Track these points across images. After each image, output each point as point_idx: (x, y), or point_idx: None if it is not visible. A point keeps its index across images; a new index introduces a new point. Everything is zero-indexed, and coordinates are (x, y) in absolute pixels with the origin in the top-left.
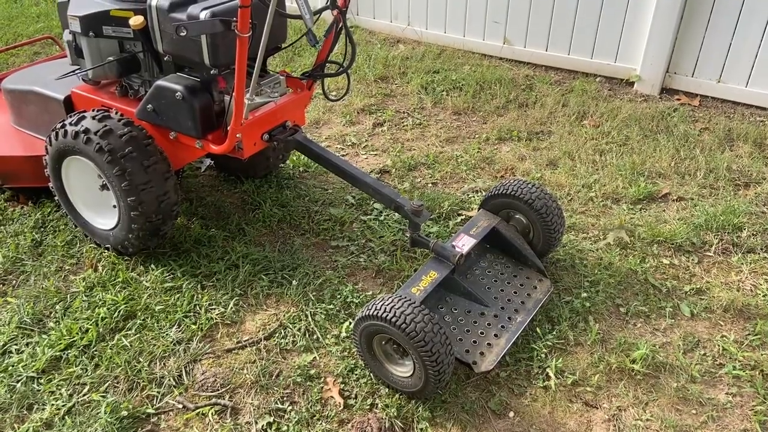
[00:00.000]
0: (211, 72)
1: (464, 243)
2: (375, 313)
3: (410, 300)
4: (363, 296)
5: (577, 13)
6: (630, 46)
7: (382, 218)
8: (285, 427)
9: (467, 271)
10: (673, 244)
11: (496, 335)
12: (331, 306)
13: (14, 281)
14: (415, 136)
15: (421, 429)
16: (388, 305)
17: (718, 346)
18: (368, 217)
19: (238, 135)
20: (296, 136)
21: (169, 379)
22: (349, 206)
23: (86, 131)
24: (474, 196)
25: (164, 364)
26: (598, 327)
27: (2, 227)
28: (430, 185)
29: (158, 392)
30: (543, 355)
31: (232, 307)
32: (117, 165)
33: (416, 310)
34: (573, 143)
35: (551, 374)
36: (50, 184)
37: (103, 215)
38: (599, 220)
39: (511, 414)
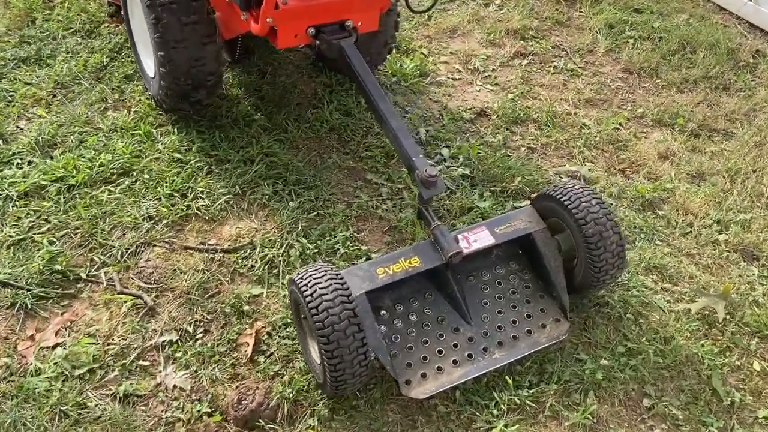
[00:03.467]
0: None
1: (476, 239)
2: (299, 279)
3: (341, 282)
4: (354, 249)
5: None
6: None
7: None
8: (180, 353)
9: (474, 271)
10: None
11: (454, 362)
12: (313, 246)
13: (63, 97)
14: (554, 83)
15: (309, 425)
16: (314, 277)
17: None
18: None
19: (269, 19)
20: (343, 42)
21: (117, 252)
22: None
23: None
24: None
25: (123, 234)
26: (595, 410)
27: (89, 40)
28: (523, 149)
29: (100, 260)
30: (499, 412)
31: (221, 203)
32: (154, 12)
33: (338, 299)
34: (752, 159)
35: None
36: (122, 14)
37: (152, 60)
38: (705, 274)
39: None
